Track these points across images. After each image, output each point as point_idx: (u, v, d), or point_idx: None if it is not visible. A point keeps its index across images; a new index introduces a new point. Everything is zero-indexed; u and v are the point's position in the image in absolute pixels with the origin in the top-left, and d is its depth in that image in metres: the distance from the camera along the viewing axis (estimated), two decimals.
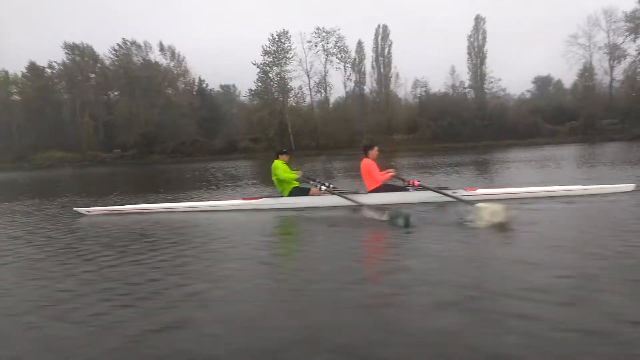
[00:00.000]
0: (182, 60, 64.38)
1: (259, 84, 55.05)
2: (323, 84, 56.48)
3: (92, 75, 64.90)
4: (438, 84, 61.27)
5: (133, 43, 62.89)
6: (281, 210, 6.71)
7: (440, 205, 6.36)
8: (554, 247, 3.91)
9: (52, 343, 2.53)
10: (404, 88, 57.98)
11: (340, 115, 52.24)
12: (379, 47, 59.47)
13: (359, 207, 6.27)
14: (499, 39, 59.15)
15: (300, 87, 56.69)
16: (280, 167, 7.09)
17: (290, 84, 55.31)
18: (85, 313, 2.90)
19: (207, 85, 67.79)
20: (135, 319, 2.76)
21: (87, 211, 7.38)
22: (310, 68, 56.12)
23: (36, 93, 63.77)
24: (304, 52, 56.46)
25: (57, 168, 49.24)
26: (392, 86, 56.57)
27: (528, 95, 63.24)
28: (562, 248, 3.87)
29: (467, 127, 45.73)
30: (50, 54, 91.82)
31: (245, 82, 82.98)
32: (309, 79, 56.56)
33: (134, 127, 56.48)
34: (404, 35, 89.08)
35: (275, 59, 53.76)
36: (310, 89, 57.00)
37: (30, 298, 3.29)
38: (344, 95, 57.83)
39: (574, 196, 6.44)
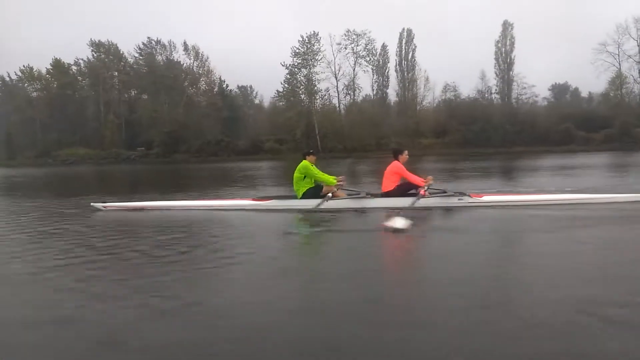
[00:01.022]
0: (206, 60, 64.66)
1: (286, 85, 54.99)
2: (351, 86, 56.40)
3: (116, 74, 65.27)
4: (465, 89, 60.87)
5: (158, 42, 63.26)
6: (290, 212, 6.85)
7: (447, 209, 6.57)
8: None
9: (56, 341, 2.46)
10: (432, 92, 57.66)
11: (367, 118, 52.00)
12: (403, 50, 59.45)
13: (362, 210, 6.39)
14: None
15: (327, 89, 56.70)
16: (310, 167, 7.10)
17: (317, 85, 55.27)
18: (90, 306, 2.86)
19: (227, 86, 67.98)
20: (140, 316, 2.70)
21: (104, 206, 7.48)
22: (339, 70, 56.15)
23: (60, 90, 64.14)
24: (333, 54, 56.46)
25: (81, 164, 49.38)
26: (421, 90, 56.41)
27: (544, 103, 63.07)
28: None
29: (498, 133, 45.31)
30: (74, 51, 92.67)
31: (259, 82, 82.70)
32: (337, 81, 56.61)
33: (159, 125, 56.50)
34: (429, 39, 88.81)
35: (304, 61, 53.70)
36: (337, 91, 57.03)
37: (37, 292, 3.28)
38: (371, 98, 57.63)
39: (585, 204, 6.50)
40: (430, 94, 57.20)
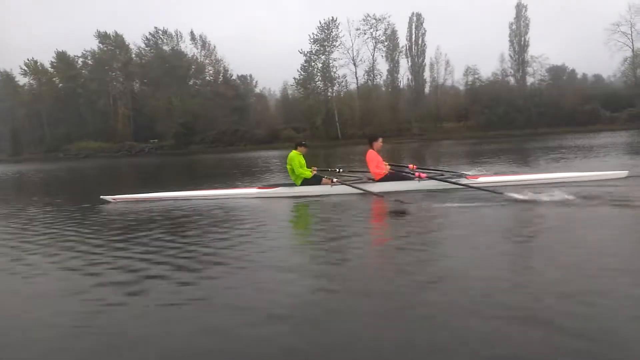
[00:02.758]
0: (213, 50, 63.55)
1: (302, 72, 54.22)
2: (371, 72, 55.82)
3: (120, 65, 63.75)
4: (481, 72, 60.63)
5: (165, 32, 61.96)
6: (295, 198, 7.01)
7: (445, 191, 6.51)
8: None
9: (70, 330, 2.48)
10: (451, 76, 57.53)
11: (384, 104, 51.60)
12: (413, 35, 58.85)
13: (367, 194, 6.62)
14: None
15: (344, 75, 56.08)
16: (295, 160, 7.24)
17: (336, 72, 54.61)
18: (105, 297, 2.89)
19: (231, 76, 66.70)
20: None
21: (113, 199, 7.60)
22: (357, 56, 55.46)
23: (66, 83, 62.57)
24: (351, 40, 55.76)
25: (95, 158, 48.31)
26: (441, 74, 56.20)
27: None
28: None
29: (522, 115, 45.21)
30: (74, 43, 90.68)
31: (257, 71, 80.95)
32: (355, 67, 55.97)
33: (173, 117, 55.48)
34: (442, 23, 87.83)
35: (322, 47, 52.92)
36: (356, 78, 56.43)
37: (55, 283, 3.32)
38: (389, 84, 57.16)
39: (569, 183, 6.52)
40: (450, 77, 57.16)
